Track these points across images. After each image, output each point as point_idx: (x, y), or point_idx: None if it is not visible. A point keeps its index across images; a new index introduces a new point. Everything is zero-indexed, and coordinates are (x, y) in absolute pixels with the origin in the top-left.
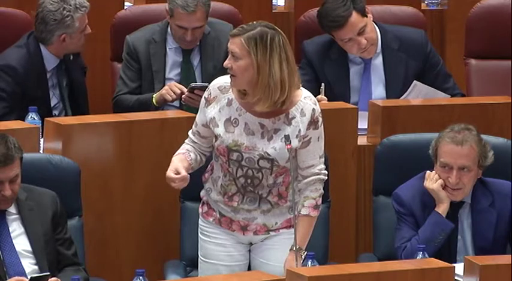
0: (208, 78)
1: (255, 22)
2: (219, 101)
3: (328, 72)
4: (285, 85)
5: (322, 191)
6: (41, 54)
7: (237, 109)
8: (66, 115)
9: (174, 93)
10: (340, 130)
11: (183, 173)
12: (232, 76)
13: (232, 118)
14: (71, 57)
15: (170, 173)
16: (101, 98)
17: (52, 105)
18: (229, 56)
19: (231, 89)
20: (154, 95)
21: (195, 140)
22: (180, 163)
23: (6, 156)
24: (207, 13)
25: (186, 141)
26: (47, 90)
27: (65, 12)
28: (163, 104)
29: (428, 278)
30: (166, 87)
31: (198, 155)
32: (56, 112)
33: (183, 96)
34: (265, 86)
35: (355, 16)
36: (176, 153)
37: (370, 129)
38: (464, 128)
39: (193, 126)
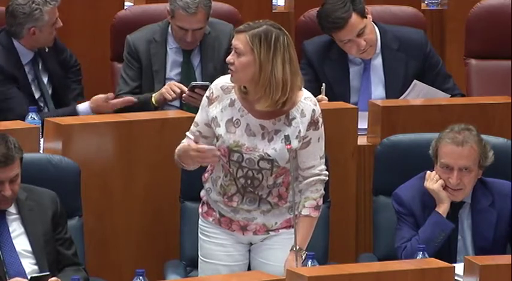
0: (209, 78)
1: (261, 20)
2: (222, 101)
3: (328, 72)
4: (287, 86)
5: (322, 191)
6: (15, 48)
7: (239, 110)
8: (48, 109)
9: (174, 92)
10: (340, 130)
11: (202, 146)
12: (232, 72)
13: (234, 119)
14: (46, 50)
15: (191, 148)
16: None
17: (36, 97)
18: (232, 52)
19: (233, 90)
20: (153, 95)
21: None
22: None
23: (6, 156)
24: (208, 15)
25: (183, 141)
26: (28, 84)
27: (33, 5)
28: (162, 104)
29: (428, 278)
30: (166, 86)
31: None
32: (40, 104)
33: (184, 95)
34: (266, 84)
35: (354, 18)
36: (178, 147)
37: (370, 129)
38: (464, 128)
39: (193, 126)
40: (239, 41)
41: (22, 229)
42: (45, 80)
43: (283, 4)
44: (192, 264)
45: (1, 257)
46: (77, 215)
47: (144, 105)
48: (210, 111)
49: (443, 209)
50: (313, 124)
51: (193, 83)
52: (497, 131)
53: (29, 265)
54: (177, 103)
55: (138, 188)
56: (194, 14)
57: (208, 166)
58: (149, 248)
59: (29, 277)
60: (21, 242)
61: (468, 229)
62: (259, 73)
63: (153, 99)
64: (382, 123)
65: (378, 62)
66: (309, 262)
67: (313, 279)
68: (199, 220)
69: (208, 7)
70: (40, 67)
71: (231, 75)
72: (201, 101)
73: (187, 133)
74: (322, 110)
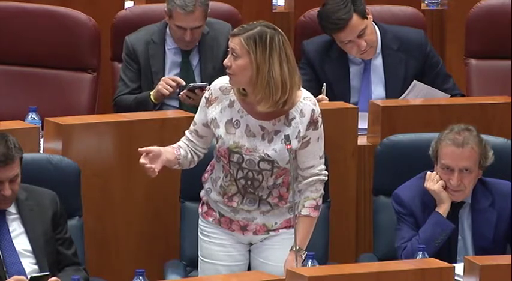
0: (208, 78)
1: (255, 22)
2: (221, 102)
3: (328, 72)
4: (286, 85)
5: (322, 191)
6: None
7: (238, 111)
8: None
9: (170, 86)
10: (340, 130)
11: (153, 148)
12: (230, 75)
13: (233, 120)
14: None
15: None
16: (101, 98)
17: None
18: (229, 55)
19: (232, 90)
20: (151, 93)
21: (191, 139)
22: (163, 149)
23: (6, 156)
24: (206, 13)
25: (182, 139)
26: None
27: None
28: (161, 100)
29: (428, 278)
30: (161, 82)
31: (190, 153)
32: None
33: (181, 94)
34: (265, 85)
35: (355, 19)
36: None
37: (370, 129)
38: (464, 128)
39: (192, 125)
40: (235, 44)
41: (22, 229)
42: None
43: (283, 4)
44: (192, 264)
45: (1, 256)
46: (77, 215)
47: (143, 104)
48: (209, 113)
49: (443, 209)
50: (312, 124)
51: (191, 85)
52: (497, 131)
53: (29, 265)
54: (176, 103)
55: (138, 188)
56: (192, 12)
57: (208, 166)
58: (149, 248)
59: (29, 277)
60: (21, 242)
61: (468, 229)
62: (257, 75)
63: (151, 97)
64: (382, 123)
65: (378, 62)
66: (309, 262)
67: (313, 279)
68: (199, 220)
69: (206, 5)
70: None
71: (230, 78)
72: (198, 101)
73: (186, 132)
74: (322, 110)
